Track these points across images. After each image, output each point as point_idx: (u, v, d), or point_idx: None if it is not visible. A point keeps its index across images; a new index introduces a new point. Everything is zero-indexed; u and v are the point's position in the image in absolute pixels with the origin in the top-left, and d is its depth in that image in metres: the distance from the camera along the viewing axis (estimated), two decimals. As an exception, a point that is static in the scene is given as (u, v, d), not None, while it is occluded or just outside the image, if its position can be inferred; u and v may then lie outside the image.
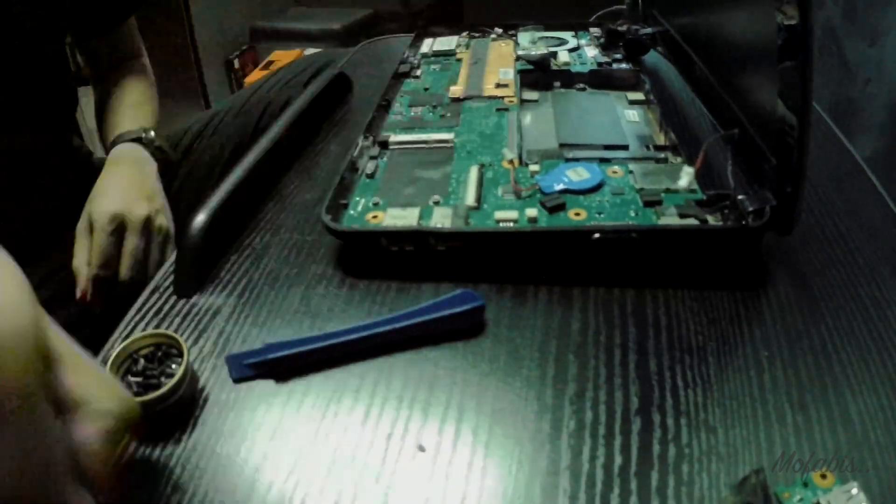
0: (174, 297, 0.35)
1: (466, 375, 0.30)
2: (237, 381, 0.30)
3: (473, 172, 0.40)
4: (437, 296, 0.32)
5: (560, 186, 0.38)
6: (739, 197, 0.34)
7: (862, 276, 0.35)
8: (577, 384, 0.29)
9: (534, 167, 0.40)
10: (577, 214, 0.36)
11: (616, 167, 0.40)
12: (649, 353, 0.30)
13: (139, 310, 0.35)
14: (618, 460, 0.26)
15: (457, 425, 0.28)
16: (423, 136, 0.44)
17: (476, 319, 0.32)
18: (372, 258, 0.36)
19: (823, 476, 0.24)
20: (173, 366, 0.29)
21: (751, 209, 0.33)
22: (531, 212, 0.36)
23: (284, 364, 0.30)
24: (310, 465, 0.27)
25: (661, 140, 0.43)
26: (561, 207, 0.36)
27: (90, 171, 0.64)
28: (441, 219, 0.36)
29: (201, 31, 1.58)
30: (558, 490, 0.25)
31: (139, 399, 0.27)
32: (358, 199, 0.39)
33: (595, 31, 0.62)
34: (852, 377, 0.29)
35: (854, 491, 0.23)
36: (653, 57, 0.56)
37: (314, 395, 0.29)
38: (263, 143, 0.43)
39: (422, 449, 0.27)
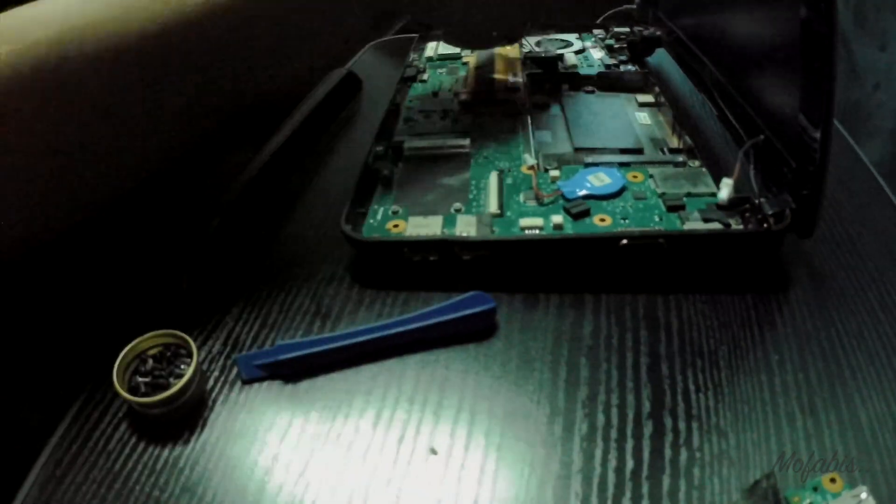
0: (183, 297, 0.35)
1: (478, 378, 0.30)
2: (247, 381, 0.30)
3: (493, 179, 0.40)
4: (448, 299, 0.32)
5: (582, 192, 0.38)
6: (760, 200, 0.34)
7: (871, 280, 0.35)
8: (589, 387, 0.29)
9: (554, 172, 0.40)
10: (603, 220, 0.36)
11: (636, 172, 0.40)
12: (661, 356, 0.30)
13: (148, 309, 0.34)
14: (629, 464, 0.26)
15: (469, 428, 0.28)
16: (438, 142, 0.44)
17: (488, 322, 0.32)
18: (389, 266, 0.36)
19: (833, 480, 0.24)
20: (182, 366, 0.29)
21: (771, 212, 0.33)
22: (556, 218, 0.36)
23: (295, 365, 0.30)
24: (320, 467, 0.27)
25: (674, 143, 0.43)
26: (585, 213, 0.36)
27: None
28: (465, 227, 0.36)
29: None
30: (570, 493, 0.25)
31: (147, 400, 0.27)
32: (376, 207, 0.38)
33: (599, 32, 0.62)
34: (861, 381, 0.29)
35: (864, 495, 0.23)
36: (657, 58, 0.56)
37: (325, 397, 0.29)
38: (274, 142, 0.43)
39: (434, 452, 0.27)
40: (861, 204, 0.41)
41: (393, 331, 0.31)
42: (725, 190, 0.36)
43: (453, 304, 0.31)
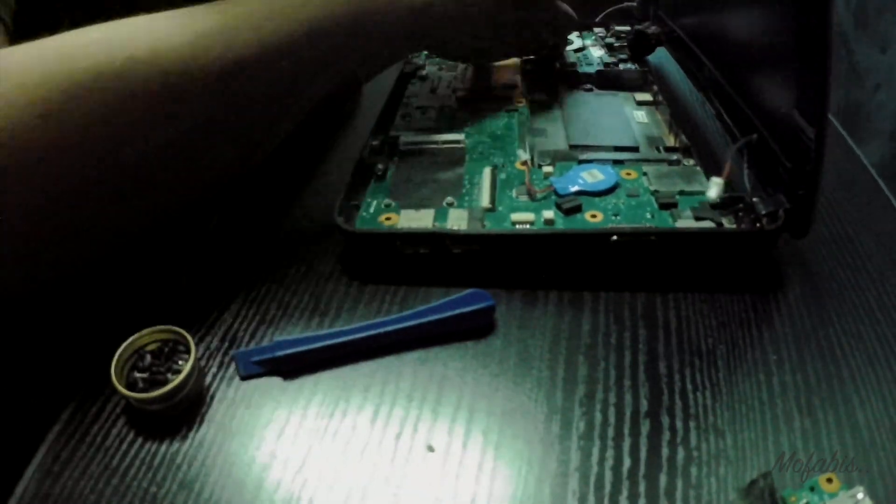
0: (182, 293, 0.35)
1: (476, 376, 0.30)
2: (245, 378, 0.30)
3: (487, 174, 0.40)
4: (446, 295, 0.32)
5: (575, 188, 0.38)
6: (753, 199, 0.34)
7: (869, 281, 0.35)
8: (587, 386, 0.29)
9: (547, 168, 0.40)
10: (594, 216, 0.36)
11: (630, 169, 0.40)
12: (659, 355, 0.31)
13: (146, 305, 0.34)
14: (627, 462, 0.26)
15: (467, 426, 0.28)
16: (433, 137, 0.44)
17: (486, 319, 0.32)
18: (382, 259, 0.36)
19: (830, 480, 0.24)
20: (180, 362, 0.29)
21: (764, 212, 0.33)
22: (547, 214, 0.36)
23: (293, 361, 0.30)
24: (318, 463, 0.26)
25: (671, 142, 0.43)
26: (577, 209, 0.36)
27: None
28: (457, 221, 0.36)
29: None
30: (567, 491, 0.25)
31: (145, 395, 0.27)
32: (370, 200, 0.38)
33: (599, 30, 0.61)
34: (859, 381, 0.29)
35: (860, 496, 0.23)
36: (657, 57, 0.56)
37: (323, 394, 0.29)
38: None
39: (431, 449, 0.27)
40: (860, 205, 0.41)
41: (391, 328, 0.31)
42: (714, 189, 0.36)
43: (452, 302, 0.31)
